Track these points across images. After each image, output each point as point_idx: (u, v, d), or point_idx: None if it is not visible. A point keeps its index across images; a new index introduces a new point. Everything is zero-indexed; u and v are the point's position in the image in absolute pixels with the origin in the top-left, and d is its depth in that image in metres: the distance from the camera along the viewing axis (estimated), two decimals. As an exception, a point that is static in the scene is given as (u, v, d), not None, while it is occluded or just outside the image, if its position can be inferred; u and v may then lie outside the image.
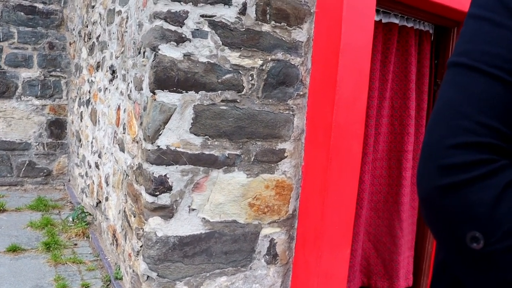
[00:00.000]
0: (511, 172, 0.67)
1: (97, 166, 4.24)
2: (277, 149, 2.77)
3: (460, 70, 0.73)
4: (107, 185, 3.77)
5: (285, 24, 2.70)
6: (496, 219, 0.63)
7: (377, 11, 2.96)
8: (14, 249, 3.75)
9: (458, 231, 0.67)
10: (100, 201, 4.10)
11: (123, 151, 3.18)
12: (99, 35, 4.26)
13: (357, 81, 2.60)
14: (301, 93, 2.80)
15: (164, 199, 2.47)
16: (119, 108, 3.40)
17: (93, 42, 4.54)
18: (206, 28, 2.47)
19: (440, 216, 0.71)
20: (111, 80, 3.72)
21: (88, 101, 4.79)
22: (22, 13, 5.75)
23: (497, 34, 0.71)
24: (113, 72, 3.64)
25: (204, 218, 2.60)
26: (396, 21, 3.11)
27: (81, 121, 5.17)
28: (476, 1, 0.76)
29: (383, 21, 3.07)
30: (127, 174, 3.04)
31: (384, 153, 3.28)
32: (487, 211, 0.64)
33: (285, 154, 2.80)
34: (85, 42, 5.00)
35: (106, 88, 3.90)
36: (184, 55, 2.43)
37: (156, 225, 2.49)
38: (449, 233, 0.70)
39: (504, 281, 0.63)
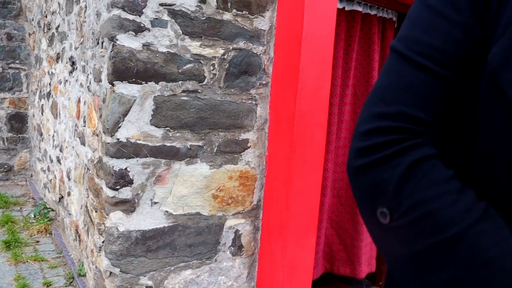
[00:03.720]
0: (421, 150, 0.70)
1: (58, 161, 4.14)
2: (240, 139, 2.73)
3: (395, 57, 0.77)
4: (69, 179, 3.67)
5: (247, 13, 2.66)
6: (400, 196, 0.68)
7: (340, -1, 2.94)
8: (-28, 248, 3.64)
9: (371, 207, 0.73)
10: (62, 196, 4.00)
11: (84, 145, 3.09)
12: (58, 25, 4.14)
13: (320, 70, 2.58)
14: (264, 82, 2.77)
15: (125, 193, 2.41)
16: (79, 100, 3.31)
17: (53, 32, 4.41)
18: (165, 17, 2.41)
19: (357, 193, 0.77)
20: (71, 72, 3.62)
21: (48, 94, 4.66)
22: (-23, 3, 5.55)
23: (435, 22, 0.73)
24: (73, 63, 3.54)
25: (167, 211, 2.55)
26: (360, 8, 3.10)
27: (42, 114, 5.03)
28: None
29: (346, 8, 3.05)
30: (88, 168, 2.97)
31: (347, 141, 3.29)
32: (392, 189, 0.69)
33: (249, 144, 2.77)
34: (44, 32, 4.86)
35: (66, 80, 3.80)
36: (143, 45, 2.36)
37: (117, 220, 2.43)
38: (365, 208, 0.76)
39: (406, 253, 0.68)
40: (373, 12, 3.18)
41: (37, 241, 3.90)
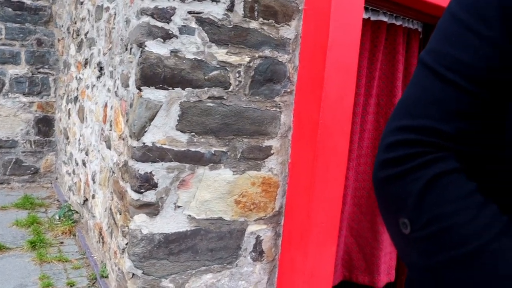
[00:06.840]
0: (443, 164, 0.71)
1: (84, 164, 4.22)
2: (263, 146, 2.76)
3: (423, 70, 0.77)
4: (94, 182, 3.74)
5: (273, 21, 2.70)
6: (420, 209, 0.70)
7: (366, 9, 2.96)
8: (-1, 248, 3.72)
9: (393, 217, 0.75)
10: (87, 199, 4.08)
11: (110, 148, 3.16)
12: (87, 32, 4.23)
13: (344, 79, 2.60)
14: (288, 90, 2.80)
15: (150, 196, 2.46)
16: (106, 105, 3.38)
17: (82, 38, 4.51)
18: (193, 24, 2.46)
19: (381, 203, 0.79)
20: (98, 77, 3.70)
21: (76, 98, 4.75)
22: (9, 9, 5.69)
23: (464, 37, 0.73)
24: (101, 69, 3.61)
25: (189, 215, 2.59)
26: (385, 19, 3.11)
27: (69, 118, 5.14)
28: None
29: (372, 19, 3.07)
30: (113, 172, 3.02)
31: (368, 150, 3.29)
32: (412, 201, 0.70)
33: (272, 151, 2.79)
34: (73, 38, 4.97)
35: (94, 85, 3.88)
36: (171, 51, 2.41)
37: (141, 223, 2.47)
38: (387, 218, 0.78)
39: (424, 264, 0.70)
40: (398, 23, 3.19)
41: (62, 242, 3.98)
